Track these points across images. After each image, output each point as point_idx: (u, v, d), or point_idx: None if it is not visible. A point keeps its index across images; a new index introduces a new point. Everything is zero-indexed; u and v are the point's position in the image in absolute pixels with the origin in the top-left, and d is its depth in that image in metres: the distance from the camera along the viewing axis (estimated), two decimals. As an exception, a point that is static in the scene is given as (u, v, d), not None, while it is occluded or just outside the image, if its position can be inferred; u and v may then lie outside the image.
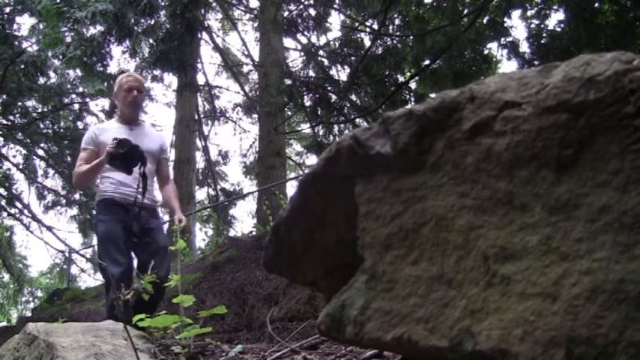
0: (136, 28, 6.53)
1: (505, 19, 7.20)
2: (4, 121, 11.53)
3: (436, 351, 0.62)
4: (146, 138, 2.98)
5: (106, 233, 2.77)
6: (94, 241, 13.30)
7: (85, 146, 2.94)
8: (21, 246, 14.87)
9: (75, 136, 12.02)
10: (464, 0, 7.05)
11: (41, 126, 11.93)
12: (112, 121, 3.19)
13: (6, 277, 14.48)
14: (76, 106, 12.20)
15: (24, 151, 12.34)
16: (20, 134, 11.81)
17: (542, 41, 7.15)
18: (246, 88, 10.95)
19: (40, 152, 12.52)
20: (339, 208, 0.78)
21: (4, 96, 10.21)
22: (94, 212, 3.59)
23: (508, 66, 8.70)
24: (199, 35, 8.94)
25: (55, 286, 13.34)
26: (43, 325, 1.56)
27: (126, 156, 2.70)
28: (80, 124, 12.49)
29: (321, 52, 7.79)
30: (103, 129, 3.00)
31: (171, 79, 11.24)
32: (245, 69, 11.09)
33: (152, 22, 6.75)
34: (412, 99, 7.12)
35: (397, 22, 7.47)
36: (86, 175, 2.87)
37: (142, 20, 6.59)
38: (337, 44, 7.52)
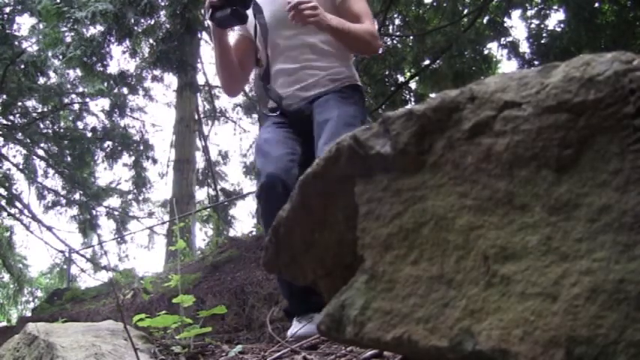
0: (136, 28, 6.53)
1: (505, 19, 7.20)
2: (4, 121, 11.53)
3: (436, 351, 0.62)
4: None
5: (257, 143, 1.95)
6: (94, 241, 13.33)
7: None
8: (21, 246, 14.84)
9: (75, 136, 12.04)
10: (464, 0, 7.05)
11: (41, 126, 11.94)
12: None
13: (6, 277, 14.47)
14: (76, 106, 12.21)
15: (24, 151, 12.34)
16: (20, 134, 11.81)
17: (542, 41, 7.16)
18: (246, 88, 10.96)
19: (40, 152, 12.52)
20: (339, 208, 0.78)
21: (4, 96, 10.21)
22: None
23: (508, 66, 8.71)
24: (199, 35, 8.94)
25: (55, 286, 13.34)
26: (43, 325, 1.56)
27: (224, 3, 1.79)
28: (80, 124, 12.50)
29: (321, 52, 7.78)
30: None
31: (172, 79, 11.25)
32: (245, 69, 11.06)
33: (152, 22, 6.75)
34: (412, 99, 7.12)
35: (397, 22, 7.48)
36: (217, 71, 1.99)
37: (142, 20, 6.58)
38: (337, 44, 7.50)
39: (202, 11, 7.36)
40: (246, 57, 2.06)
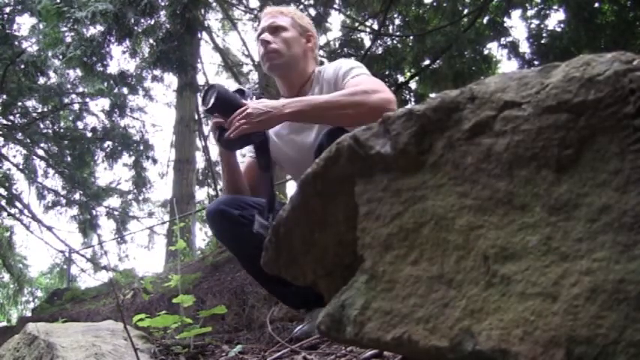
0: (136, 28, 6.52)
1: (505, 19, 7.20)
2: (4, 121, 11.54)
3: (436, 351, 0.62)
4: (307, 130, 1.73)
5: None
6: (94, 241, 13.33)
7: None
8: (21, 246, 14.87)
9: (75, 136, 12.05)
10: (464, 0, 7.05)
11: (41, 126, 11.94)
12: None
13: (6, 277, 14.48)
14: (76, 106, 12.21)
15: (24, 151, 12.34)
16: (20, 134, 11.81)
17: (542, 41, 7.16)
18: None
19: (40, 152, 12.52)
20: (339, 208, 0.78)
21: (4, 96, 10.22)
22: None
23: (508, 66, 8.71)
24: (199, 35, 8.94)
25: (55, 286, 13.35)
26: (43, 325, 1.57)
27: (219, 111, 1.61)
28: (80, 124, 12.50)
29: (321, 52, 7.79)
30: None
31: (172, 79, 11.25)
32: (245, 69, 11.09)
33: (152, 22, 6.73)
34: (412, 99, 7.12)
35: (397, 22, 7.48)
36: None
37: (142, 20, 6.57)
38: (337, 44, 7.51)
39: (202, 11, 7.36)
40: (259, 184, 1.83)
